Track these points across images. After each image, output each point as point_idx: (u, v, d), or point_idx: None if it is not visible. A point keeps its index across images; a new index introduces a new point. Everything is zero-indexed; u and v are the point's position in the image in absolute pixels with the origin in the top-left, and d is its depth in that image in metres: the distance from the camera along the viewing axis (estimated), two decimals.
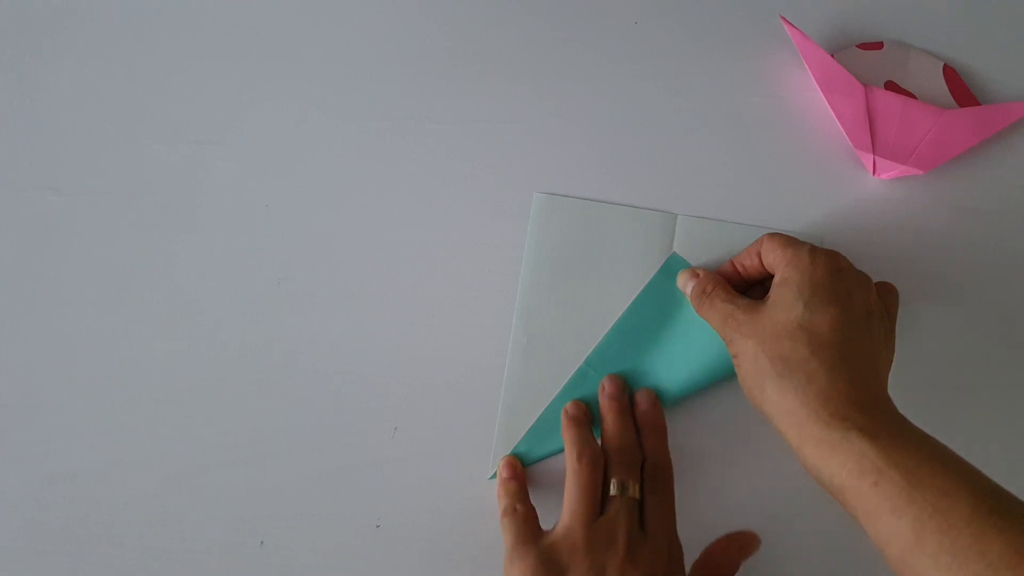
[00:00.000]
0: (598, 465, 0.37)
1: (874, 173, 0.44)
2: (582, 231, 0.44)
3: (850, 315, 0.34)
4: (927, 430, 0.32)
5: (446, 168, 0.45)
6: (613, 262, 0.43)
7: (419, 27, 0.48)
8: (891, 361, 0.36)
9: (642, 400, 0.40)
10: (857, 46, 0.47)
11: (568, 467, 0.37)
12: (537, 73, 0.47)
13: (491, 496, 0.40)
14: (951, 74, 0.46)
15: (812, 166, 0.45)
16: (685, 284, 0.41)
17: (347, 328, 0.43)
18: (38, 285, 0.44)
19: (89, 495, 0.41)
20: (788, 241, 0.37)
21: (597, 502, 0.36)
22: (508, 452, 0.40)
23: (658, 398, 0.40)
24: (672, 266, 0.43)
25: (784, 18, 0.45)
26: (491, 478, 0.40)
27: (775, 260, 0.37)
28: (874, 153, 0.43)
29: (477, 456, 0.41)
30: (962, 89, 0.46)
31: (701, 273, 0.40)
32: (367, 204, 0.45)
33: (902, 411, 0.33)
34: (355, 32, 0.48)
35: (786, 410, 0.33)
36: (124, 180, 0.46)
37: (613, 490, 0.36)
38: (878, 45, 0.47)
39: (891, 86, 0.46)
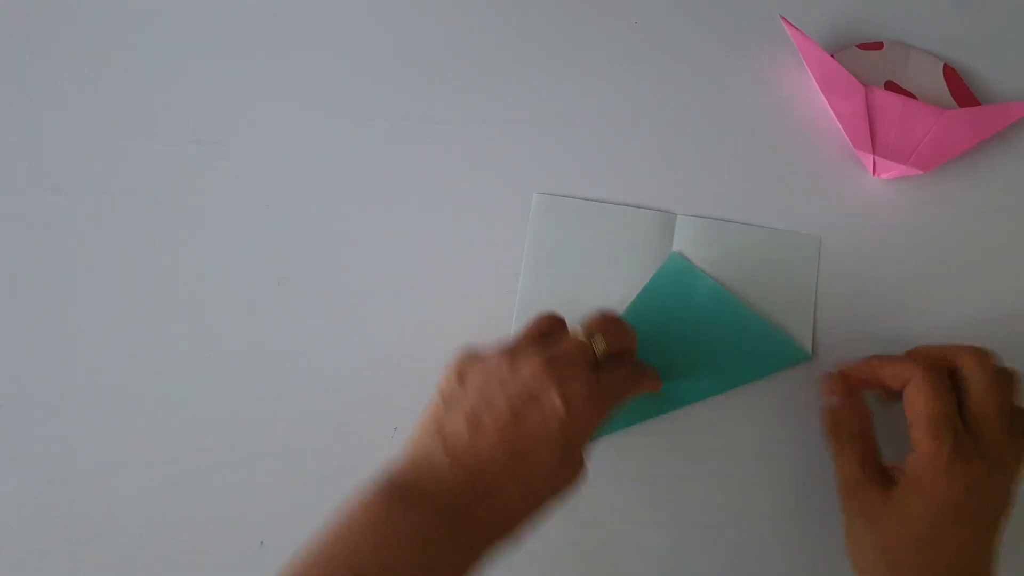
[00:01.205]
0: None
1: (874, 173, 0.44)
2: (582, 231, 0.44)
3: (980, 532, 0.33)
4: None
5: (446, 168, 0.45)
6: (613, 262, 0.43)
7: (419, 27, 0.48)
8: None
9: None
10: (857, 46, 0.47)
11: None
12: (537, 73, 0.47)
13: None
14: (951, 74, 0.46)
15: (812, 166, 0.45)
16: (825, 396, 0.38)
17: (347, 328, 0.43)
18: (38, 285, 0.44)
19: (89, 495, 0.41)
20: (933, 425, 0.33)
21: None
22: None
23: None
24: (672, 265, 0.43)
25: (784, 18, 0.46)
26: None
27: (914, 439, 0.34)
28: (874, 153, 0.43)
29: None
30: (962, 89, 0.46)
31: (840, 403, 0.38)
32: (367, 204, 0.45)
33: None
34: (355, 32, 0.48)
35: None
36: (124, 180, 0.46)
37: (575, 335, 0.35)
38: (878, 45, 0.47)
39: (891, 86, 0.46)
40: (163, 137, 0.46)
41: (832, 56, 0.46)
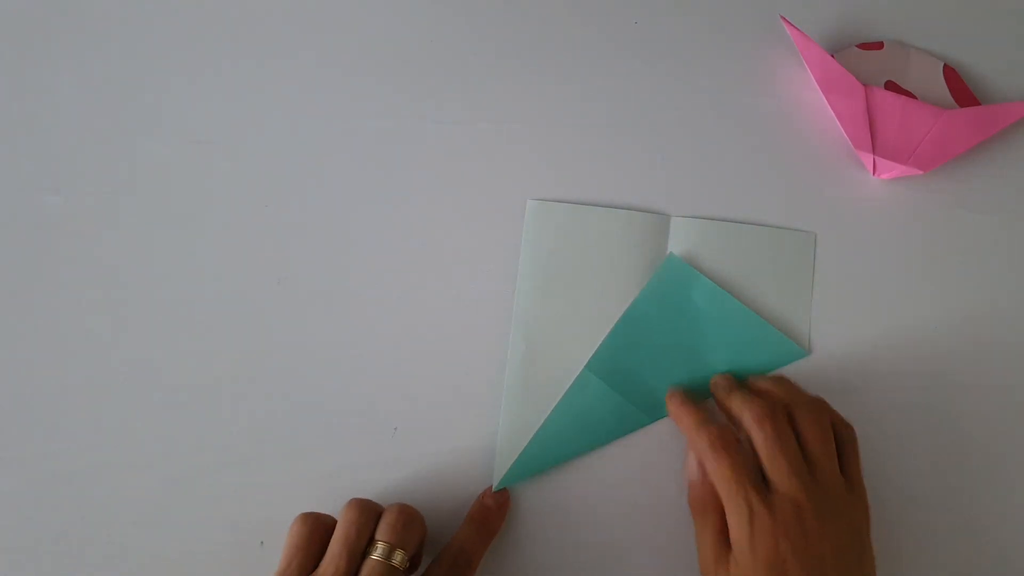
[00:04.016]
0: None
1: (874, 173, 0.44)
2: (577, 236, 0.44)
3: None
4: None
5: (447, 168, 0.45)
6: (609, 266, 0.43)
7: (419, 27, 0.48)
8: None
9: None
10: (857, 46, 0.47)
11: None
12: (536, 73, 0.47)
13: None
14: (951, 74, 0.46)
15: (812, 166, 0.45)
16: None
17: (347, 328, 0.43)
18: (38, 285, 0.44)
19: (89, 495, 0.41)
20: (728, 499, 0.34)
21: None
22: (511, 462, 0.40)
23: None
24: (670, 267, 0.43)
25: (784, 18, 0.45)
26: (496, 491, 0.40)
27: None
28: (874, 153, 0.43)
29: (477, 456, 0.41)
30: (962, 89, 0.46)
31: (699, 478, 0.37)
32: (368, 204, 0.45)
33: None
34: (355, 32, 0.48)
35: None
36: (124, 180, 0.46)
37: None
38: (878, 45, 0.47)
39: (891, 86, 0.46)
40: (163, 137, 0.46)
41: (832, 56, 0.46)
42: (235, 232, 0.45)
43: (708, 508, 0.36)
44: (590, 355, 0.41)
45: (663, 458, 0.40)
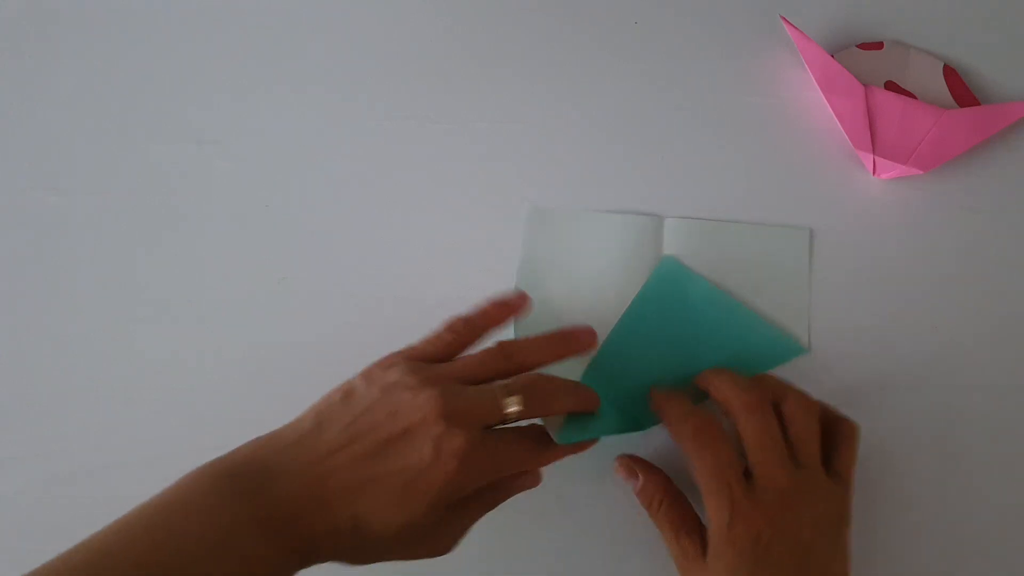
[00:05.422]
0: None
1: (874, 173, 0.44)
2: (574, 240, 0.43)
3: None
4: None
5: (445, 170, 0.45)
6: (606, 269, 0.43)
7: (419, 27, 0.48)
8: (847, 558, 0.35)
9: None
10: (857, 46, 0.47)
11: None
12: (536, 73, 0.47)
13: None
14: (951, 74, 0.46)
15: (812, 166, 0.45)
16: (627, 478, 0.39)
17: (348, 328, 0.43)
18: (38, 285, 0.44)
19: (89, 495, 0.41)
20: (709, 484, 0.34)
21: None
22: None
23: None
24: (665, 269, 0.43)
25: (784, 18, 0.46)
26: None
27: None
28: (874, 153, 0.43)
29: None
30: (962, 89, 0.46)
31: (642, 477, 0.38)
32: (367, 204, 0.45)
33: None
34: (355, 32, 0.48)
35: None
36: (124, 180, 0.46)
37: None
38: (878, 45, 0.47)
39: (891, 86, 0.46)
40: (163, 137, 0.46)
41: (832, 56, 0.46)
42: (235, 232, 0.45)
43: (660, 504, 0.37)
44: (589, 358, 0.41)
45: (663, 459, 0.40)
